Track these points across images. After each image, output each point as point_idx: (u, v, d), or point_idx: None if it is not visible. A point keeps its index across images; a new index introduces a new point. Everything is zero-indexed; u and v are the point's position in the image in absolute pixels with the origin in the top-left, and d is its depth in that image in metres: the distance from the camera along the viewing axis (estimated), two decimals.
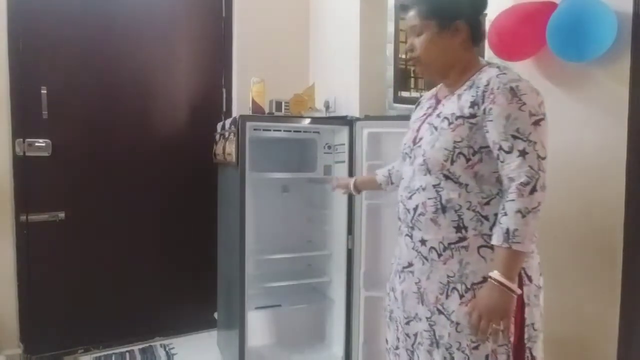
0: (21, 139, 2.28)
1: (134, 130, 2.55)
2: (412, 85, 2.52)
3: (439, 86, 1.40)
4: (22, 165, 2.29)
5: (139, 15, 2.55)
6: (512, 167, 1.10)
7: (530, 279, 1.19)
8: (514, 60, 1.79)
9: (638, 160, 1.42)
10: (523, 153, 1.09)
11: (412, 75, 2.51)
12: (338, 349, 2.31)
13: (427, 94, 1.46)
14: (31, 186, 2.32)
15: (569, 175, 1.61)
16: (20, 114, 2.27)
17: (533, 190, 1.08)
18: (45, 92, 2.29)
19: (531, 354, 1.20)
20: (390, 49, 2.40)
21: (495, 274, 1.10)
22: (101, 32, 2.44)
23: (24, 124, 2.29)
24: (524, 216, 1.07)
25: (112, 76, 2.48)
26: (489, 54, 1.82)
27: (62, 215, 2.38)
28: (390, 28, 2.40)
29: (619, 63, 1.45)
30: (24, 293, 2.33)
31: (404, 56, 2.43)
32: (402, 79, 2.46)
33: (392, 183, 1.63)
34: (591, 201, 1.55)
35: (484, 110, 1.14)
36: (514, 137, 1.10)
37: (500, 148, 1.12)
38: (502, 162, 1.13)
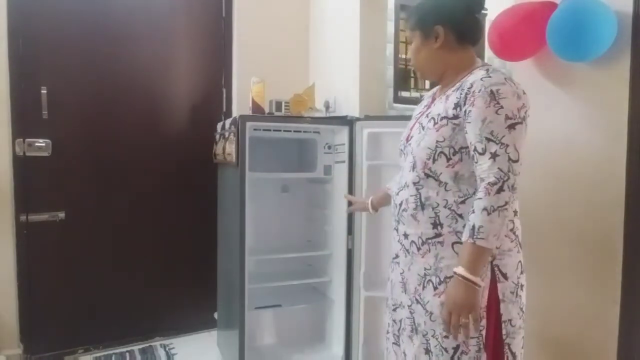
0: (21, 139, 2.29)
1: (134, 130, 2.55)
2: (412, 85, 2.53)
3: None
4: (22, 165, 2.29)
5: (139, 15, 2.55)
6: (483, 168, 1.15)
7: (505, 276, 1.22)
8: (514, 60, 1.79)
9: (638, 160, 1.42)
10: (494, 155, 1.14)
11: (412, 75, 2.52)
12: (338, 349, 2.31)
13: (430, 92, 1.50)
14: (31, 186, 2.32)
15: (569, 175, 1.61)
16: (20, 114, 2.27)
17: (500, 190, 1.12)
18: (45, 92, 2.29)
19: (510, 350, 1.23)
20: (390, 49, 2.40)
21: (459, 270, 1.15)
22: (101, 32, 2.44)
23: (24, 124, 2.29)
24: (489, 214, 1.12)
25: (112, 76, 2.48)
26: (489, 54, 1.82)
27: (62, 215, 2.38)
28: (390, 28, 2.40)
29: (619, 63, 1.45)
30: (24, 293, 2.33)
31: (404, 56, 2.43)
32: (402, 79, 2.46)
33: None
34: (591, 201, 1.55)
35: (465, 112, 1.19)
36: (488, 139, 1.15)
37: (475, 149, 1.17)
38: (476, 162, 1.18)
